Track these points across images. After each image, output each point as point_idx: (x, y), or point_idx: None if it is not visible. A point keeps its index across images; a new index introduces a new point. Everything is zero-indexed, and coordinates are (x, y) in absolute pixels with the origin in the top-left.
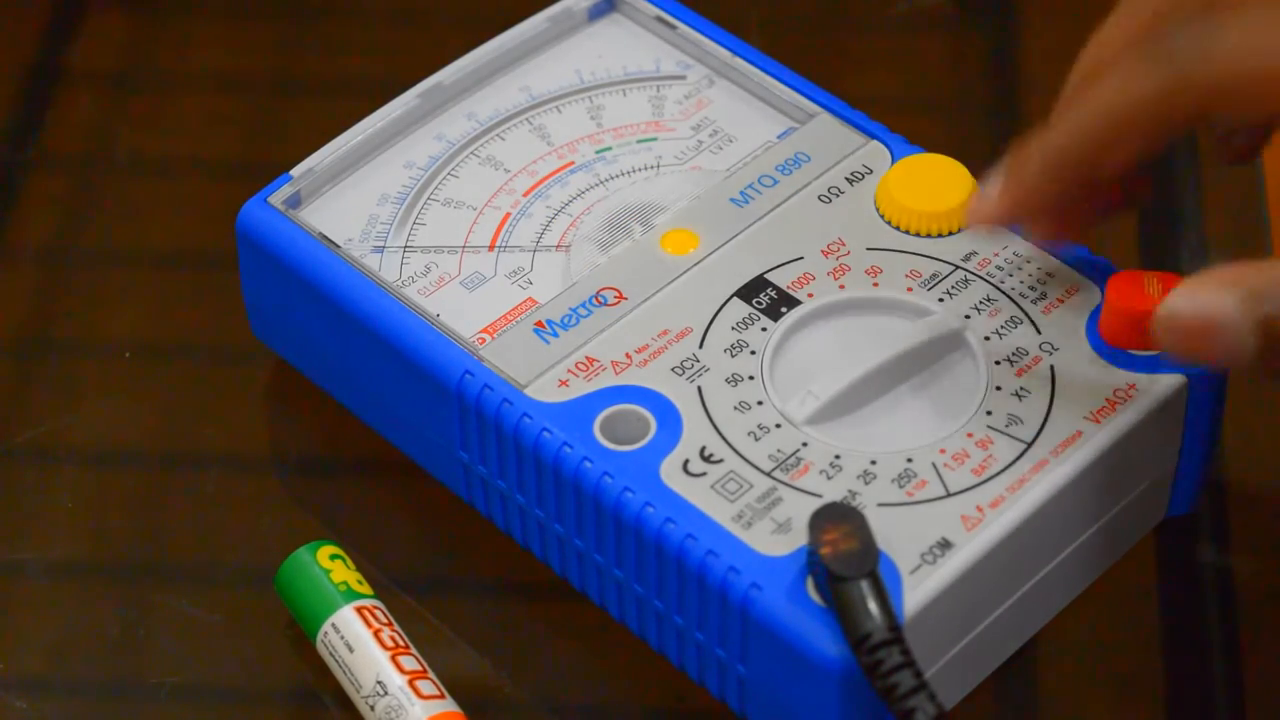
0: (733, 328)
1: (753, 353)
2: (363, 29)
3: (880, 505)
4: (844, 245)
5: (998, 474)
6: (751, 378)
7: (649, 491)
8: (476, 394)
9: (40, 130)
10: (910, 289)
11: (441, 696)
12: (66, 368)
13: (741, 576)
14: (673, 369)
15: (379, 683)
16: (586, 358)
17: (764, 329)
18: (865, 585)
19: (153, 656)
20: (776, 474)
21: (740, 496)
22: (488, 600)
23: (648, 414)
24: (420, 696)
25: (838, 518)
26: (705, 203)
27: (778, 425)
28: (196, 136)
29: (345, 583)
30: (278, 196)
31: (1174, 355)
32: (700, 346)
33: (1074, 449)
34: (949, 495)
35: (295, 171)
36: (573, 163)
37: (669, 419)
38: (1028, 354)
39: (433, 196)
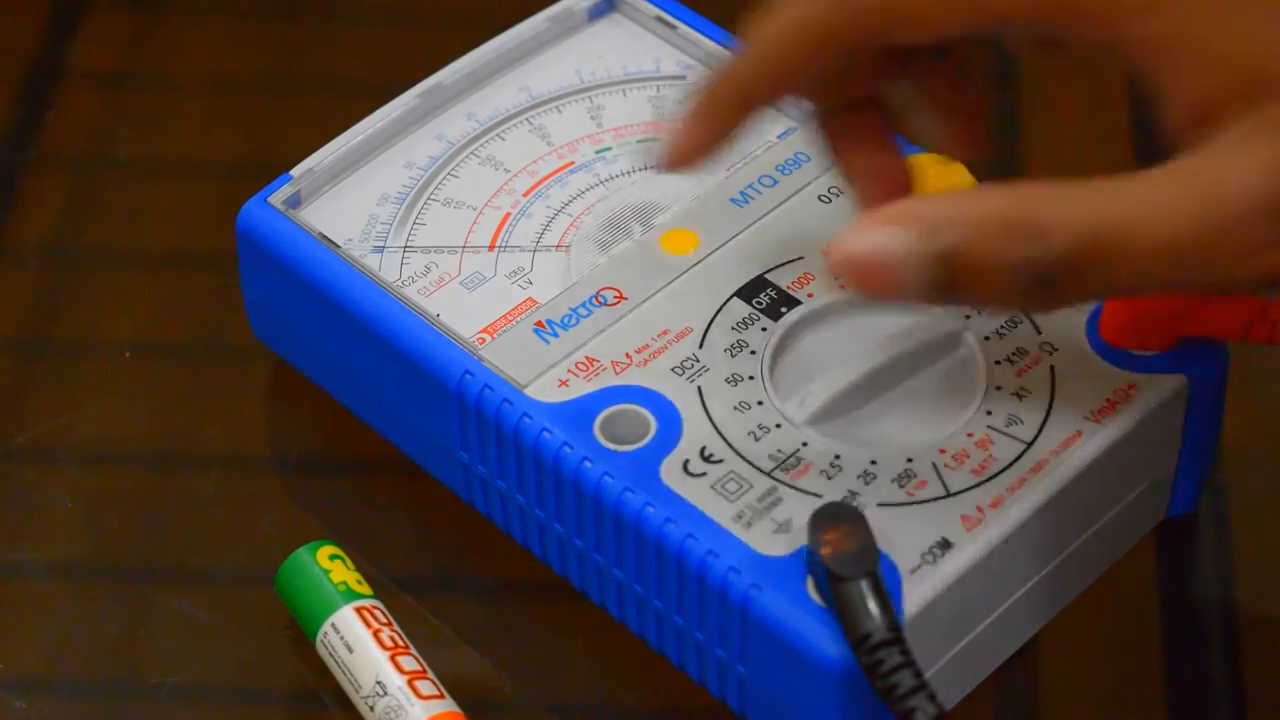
0: (733, 328)
1: (753, 353)
2: (363, 29)
3: (880, 505)
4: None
5: (998, 474)
6: (751, 378)
7: (649, 491)
8: (476, 394)
9: (40, 130)
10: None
11: (441, 696)
12: (66, 368)
13: (741, 576)
14: (673, 369)
15: (378, 683)
16: (586, 358)
17: (764, 329)
18: (865, 585)
19: (153, 656)
20: (776, 474)
21: (740, 496)
22: (488, 600)
23: (648, 414)
24: (420, 696)
25: (838, 518)
26: (705, 203)
27: (778, 425)
28: (196, 136)
29: (345, 583)
30: (278, 196)
31: (857, 293)
32: (700, 346)
33: (1074, 449)
34: (949, 495)
35: (295, 171)
36: (573, 163)
37: (669, 419)
38: (1028, 354)
39: (433, 196)
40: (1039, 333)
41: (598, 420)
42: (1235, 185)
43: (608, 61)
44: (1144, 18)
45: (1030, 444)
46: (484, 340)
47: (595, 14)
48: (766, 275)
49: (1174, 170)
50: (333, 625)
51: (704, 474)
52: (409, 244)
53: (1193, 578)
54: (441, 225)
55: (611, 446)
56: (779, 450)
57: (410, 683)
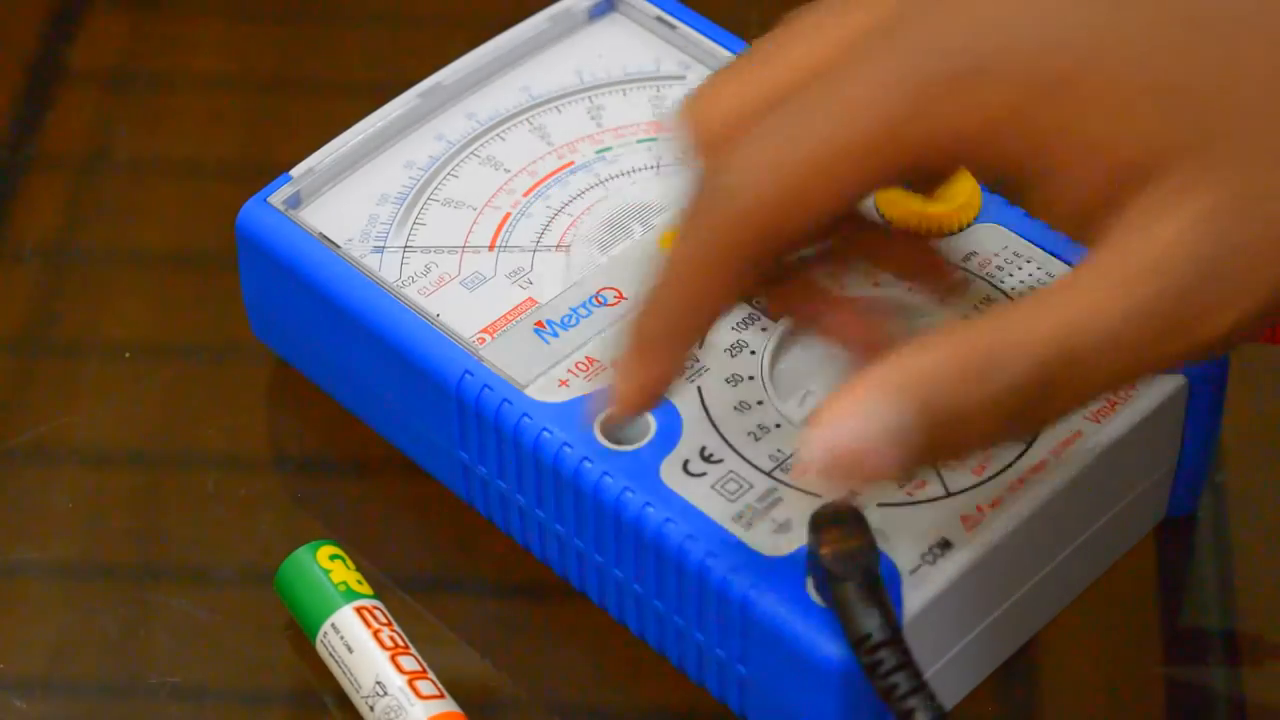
0: (733, 328)
1: (753, 353)
2: (363, 29)
3: (880, 505)
4: None
5: (998, 474)
6: (751, 378)
7: (649, 491)
8: (476, 394)
9: (40, 130)
10: (910, 288)
11: (441, 696)
12: (66, 368)
13: (741, 576)
14: None
15: (378, 683)
16: (586, 358)
17: (764, 329)
18: (865, 585)
19: (153, 656)
20: (776, 474)
21: (740, 496)
22: (488, 600)
23: (647, 414)
24: (420, 696)
25: (838, 518)
26: None
27: (778, 425)
28: (196, 136)
29: (345, 583)
30: (278, 196)
31: (829, 488)
32: (700, 346)
33: (1074, 449)
34: (949, 495)
35: (295, 171)
36: (573, 163)
37: (669, 419)
38: None
39: (433, 196)
40: None
41: (598, 420)
42: (1166, 258)
43: (608, 61)
44: (1035, 118)
45: (1030, 444)
46: (484, 340)
47: (595, 14)
48: None
49: (1099, 265)
50: (333, 625)
51: (704, 474)
52: (409, 244)
53: (1193, 578)
54: (441, 225)
55: (611, 446)
56: (779, 450)
57: (410, 682)
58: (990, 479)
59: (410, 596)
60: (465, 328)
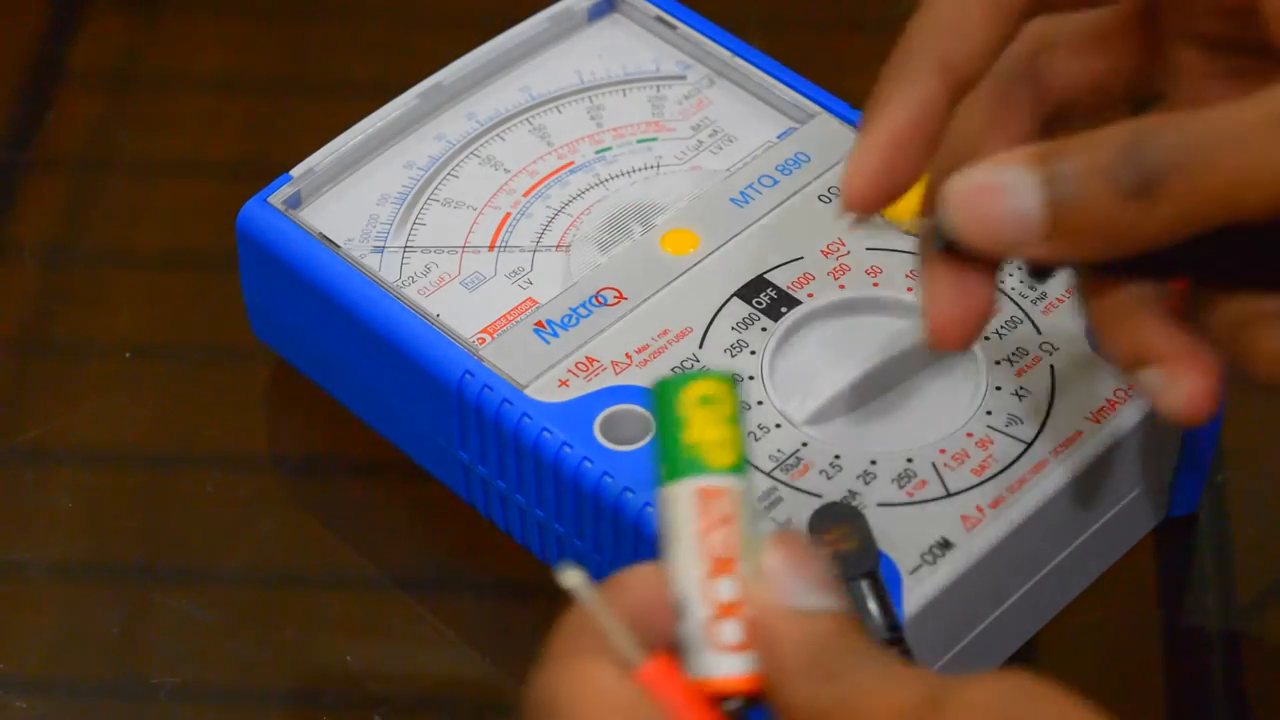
0: (733, 328)
1: (753, 353)
2: (363, 29)
3: (880, 505)
4: (844, 245)
5: (998, 474)
6: (751, 378)
7: (649, 491)
8: (476, 394)
9: (40, 130)
10: (910, 289)
11: (741, 648)
12: (66, 368)
13: None
14: (673, 369)
15: (683, 600)
16: (586, 358)
17: (764, 329)
18: (865, 585)
19: (153, 656)
20: (776, 474)
21: None
22: (488, 600)
23: (648, 414)
24: (717, 645)
25: (838, 518)
26: (705, 203)
27: (778, 425)
28: (196, 136)
29: (699, 445)
30: (278, 196)
31: (960, 233)
32: (700, 346)
33: (1074, 449)
34: (949, 495)
35: (295, 171)
36: (573, 163)
37: None
38: (1028, 354)
39: (433, 196)
40: (1039, 333)
41: (598, 420)
42: None
43: (608, 61)
44: None
45: (1030, 444)
46: (484, 340)
47: (595, 14)
48: (766, 275)
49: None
50: (666, 495)
51: None
52: (409, 244)
53: (1193, 578)
54: (441, 225)
55: (611, 446)
56: (779, 450)
57: (713, 619)
58: (990, 479)
59: (410, 596)
60: (465, 328)
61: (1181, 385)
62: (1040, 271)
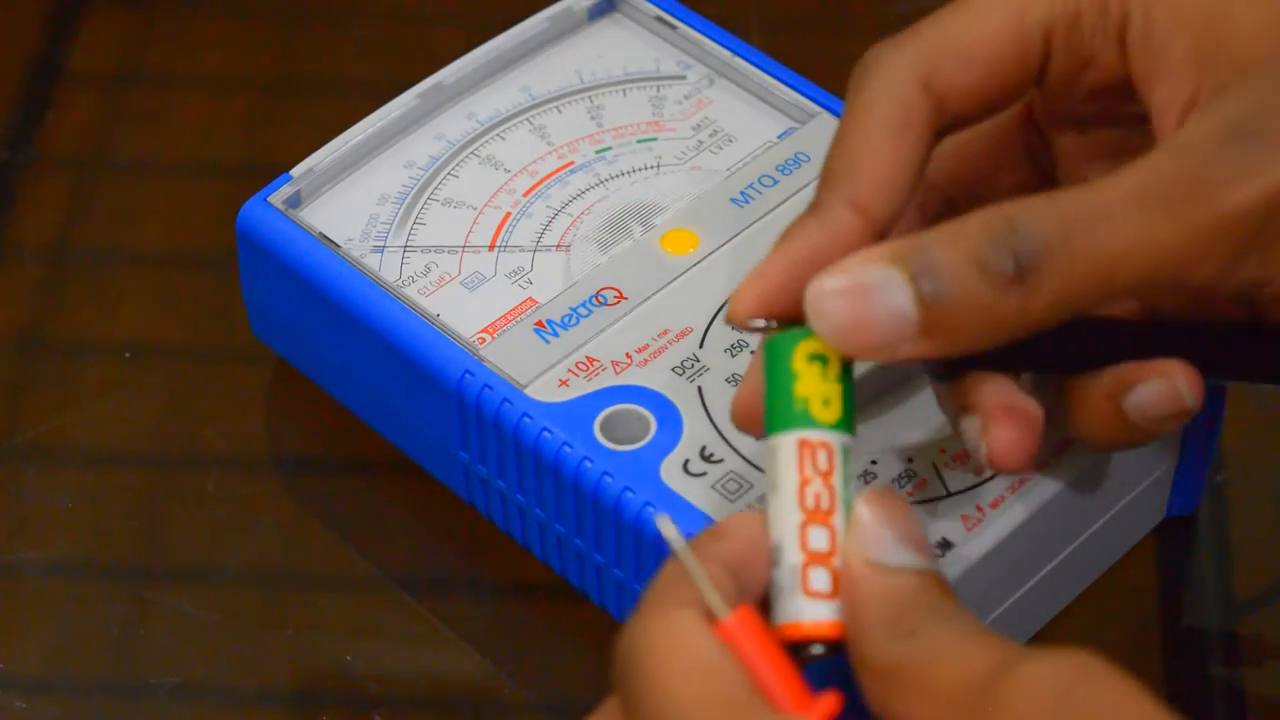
0: (733, 328)
1: (752, 353)
2: (363, 29)
3: None
4: None
5: (998, 474)
6: None
7: (649, 491)
8: (476, 394)
9: (40, 130)
10: None
11: (829, 596)
12: (66, 368)
13: None
14: (673, 369)
15: (778, 546)
16: (586, 358)
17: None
18: None
19: (153, 656)
20: None
21: (740, 496)
22: (488, 600)
23: (648, 414)
24: (806, 591)
25: None
26: (705, 203)
27: None
28: (196, 136)
29: (806, 399)
30: (278, 196)
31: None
32: (700, 346)
33: (1074, 449)
34: (949, 495)
35: (295, 171)
36: (573, 163)
37: (669, 419)
38: None
39: (433, 196)
40: None
41: (598, 420)
42: (1216, 186)
43: (608, 61)
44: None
45: None
46: (484, 340)
47: (595, 14)
48: None
49: (1151, 165)
50: (772, 447)
51: (704, 474)
52: (409, 244)
53: (1193, 578)
54: (441, 225)
55: (611, 446)
56: None
57: (806, 566)
58: (990, 479)
59: (410, 596)
60: (465, 328)
61: (997, 434)
62: (940, 374)
